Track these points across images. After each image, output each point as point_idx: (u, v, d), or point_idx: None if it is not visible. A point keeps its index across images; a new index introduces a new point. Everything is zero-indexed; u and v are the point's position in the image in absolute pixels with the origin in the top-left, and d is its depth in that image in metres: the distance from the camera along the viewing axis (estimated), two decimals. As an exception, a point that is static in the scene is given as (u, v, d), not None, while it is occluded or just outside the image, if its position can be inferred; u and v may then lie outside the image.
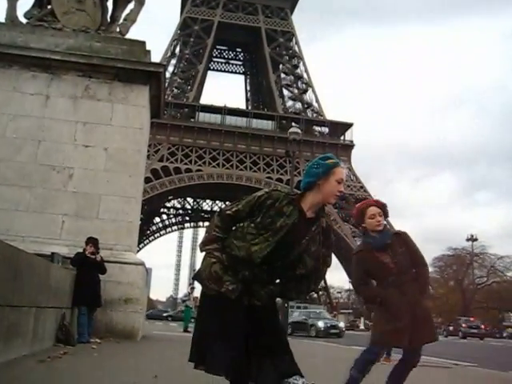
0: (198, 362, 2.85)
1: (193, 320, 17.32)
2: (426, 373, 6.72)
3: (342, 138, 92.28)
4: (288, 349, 2.86)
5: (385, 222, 3.87)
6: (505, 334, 55.20)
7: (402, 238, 3.82)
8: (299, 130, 20.33)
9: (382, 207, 3.85)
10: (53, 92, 10.44)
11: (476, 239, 58.51)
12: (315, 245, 2.93)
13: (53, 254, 8.64)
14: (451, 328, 42.98)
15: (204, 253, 2.95)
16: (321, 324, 24.63)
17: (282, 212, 2.89)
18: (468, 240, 58.16)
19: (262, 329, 2.84)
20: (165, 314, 54.53)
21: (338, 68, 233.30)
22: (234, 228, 2.99)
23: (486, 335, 40.82)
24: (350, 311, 75.76)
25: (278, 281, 2.98)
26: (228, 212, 2.99)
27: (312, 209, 2.95)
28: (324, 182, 2.94)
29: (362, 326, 45.51)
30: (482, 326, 40.09)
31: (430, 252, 66.28)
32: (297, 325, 25.67)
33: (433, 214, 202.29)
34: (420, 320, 3.61)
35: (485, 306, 61.21)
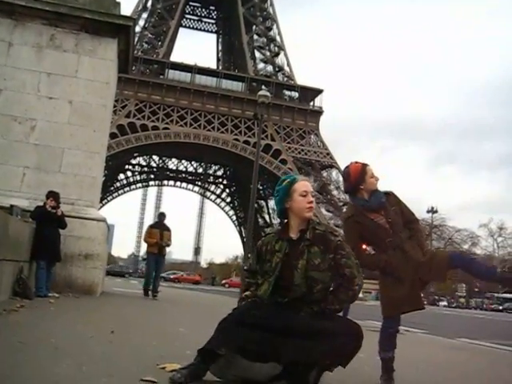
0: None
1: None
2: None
3: (311, 103, 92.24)
4: (339, 360, 2.89)
5: None
6: (454, 305, 57.33)
7: (393, 196, 3.73)
8: (269, 94, 20.18)
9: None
10: (16, 39, 10.07)
11: (436, 211, 59.87)
12: (317, 257, 2.99)
13: (12, 206, 8.50)
14: None
15: None
16: None
17: (274, 251, 3.06)
18: (428, 212, 59.44)
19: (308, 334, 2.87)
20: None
21: (311, 34, 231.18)
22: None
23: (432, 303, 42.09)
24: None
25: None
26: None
27: (297, 230, 3.07)
28: (291, 204, 3.07)
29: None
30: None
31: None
32: None
33: (396, 184, 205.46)
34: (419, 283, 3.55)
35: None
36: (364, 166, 3.70)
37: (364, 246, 3.70)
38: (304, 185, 3.10)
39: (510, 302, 55.16)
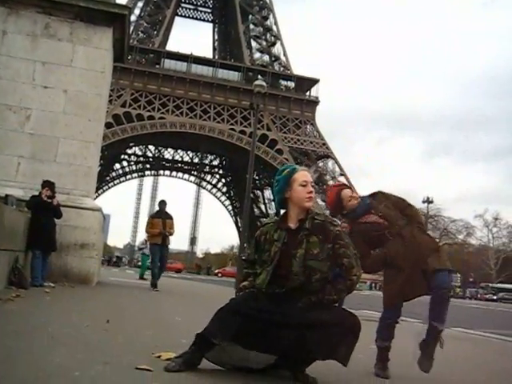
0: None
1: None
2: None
3: (307, 93, 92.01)
4: (331, 353, 2.88)
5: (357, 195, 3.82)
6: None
7: (380, 194, 3.82)
8: (264, 83, 20.14)
9: (350, 187, 3.88)
10: (10, 28, 9.99)
11: (432, 201, 59.89)
12: (316, 247, 3.00)
13: (7, 195, 8.47)
14: None
15: None
16: None
17: (272, 240, 3.06)
18: (424, 202, 59.47)
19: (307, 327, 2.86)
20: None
21: (308, 24, 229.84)
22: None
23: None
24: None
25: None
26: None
27: (296, 220, 3.07)
28: (291, 194, 3.08)
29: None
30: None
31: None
32: None
33: (393, 175, 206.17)
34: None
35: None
36: (339, 191, 3.80)
37: None
38: (304, 175, 3.10)
39: (504, 292, 55.48)
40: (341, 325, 2.87)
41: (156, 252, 11.40)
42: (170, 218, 11.51)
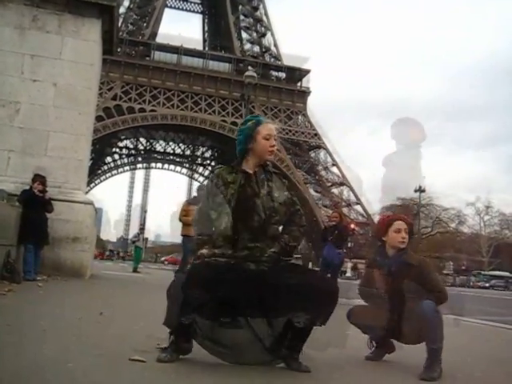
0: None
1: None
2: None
3: (298, 84, 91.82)
4: (307, 304, 2.88)
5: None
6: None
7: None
8: (255, 74, 20.11)
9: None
10: (-3, 20, 9.91)
11: (424, 190, 59.92)
12: (275, 190, 3.06)
13: (-2, 190, 8.45)
14: None
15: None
16: None
17: (227, 183, 3.04)
18: (416, 191, 59.58)
19: (276, 289, 2.86)
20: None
21: (299, 14, 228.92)
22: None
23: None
24: (299, 256, 77.44)
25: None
26: (198, 234, 3.16)
27: (255, 167, 3.11)
28: (253, 145, 3.08)
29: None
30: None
31: (380, 201, 67.95)
32: None
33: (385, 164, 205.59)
34: None
35: (427, 255, 63.68)
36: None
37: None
38: (268, 128, 3.13)
39: (496, 280, 55.90)
40: (319, 287, 2.90)
41: (189, 246, 10.00)
42: None
